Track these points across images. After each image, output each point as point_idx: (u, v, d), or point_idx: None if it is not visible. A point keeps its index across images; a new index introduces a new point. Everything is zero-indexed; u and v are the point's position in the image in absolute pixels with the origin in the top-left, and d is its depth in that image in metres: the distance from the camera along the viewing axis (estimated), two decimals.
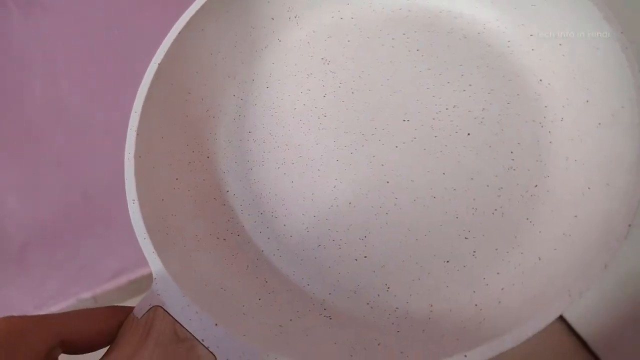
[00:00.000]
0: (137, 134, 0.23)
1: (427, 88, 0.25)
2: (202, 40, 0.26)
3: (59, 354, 0.18)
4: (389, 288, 0.22)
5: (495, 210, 0.22)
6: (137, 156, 0.23)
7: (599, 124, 0.21)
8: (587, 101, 0.22)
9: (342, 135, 0.26)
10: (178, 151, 0.26)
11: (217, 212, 0.25)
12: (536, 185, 0.22)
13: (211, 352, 0.19)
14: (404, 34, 0.27)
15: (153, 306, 0.20)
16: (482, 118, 0.24)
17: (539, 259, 0.21)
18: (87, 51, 0.39)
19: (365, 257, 0.23)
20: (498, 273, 0.21)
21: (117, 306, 0.20)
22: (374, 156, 0.25)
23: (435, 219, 0.23)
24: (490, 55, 0.25)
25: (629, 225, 0.17)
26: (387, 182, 0.24)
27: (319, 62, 0.28)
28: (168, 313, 0.20)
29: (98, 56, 0.40)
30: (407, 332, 0.21)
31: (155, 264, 0.21)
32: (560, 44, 0.23)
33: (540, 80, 0.24)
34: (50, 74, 0.39)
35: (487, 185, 0.23)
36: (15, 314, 0.18)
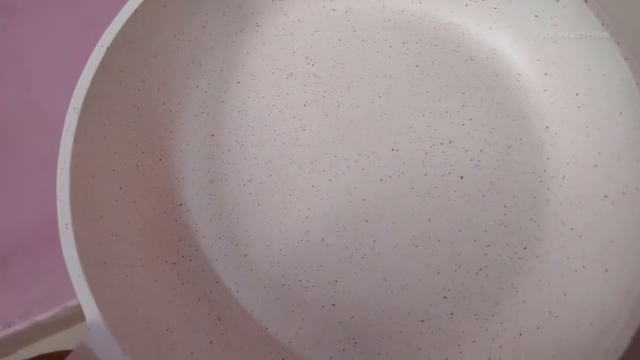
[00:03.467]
0: (75, 138, 0.19)
1: (423, 115, 0.22)
2: (164, 18, 0.21)
3: None
4: (355, 343, 0.20)
5: (480, 269, 0.21)
6: (74, 166, 0.19)
7: (606, 196, 0.19)
8: (596, 166, 0.20)
9: (321, 157, 0.22)
10: (124, 152, 0.21)
11: (168, 229, 0.22)
12: (525, 248, 0.21)
13: None
14: (403, 44, 0.23)
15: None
16: (479, 161, 0.22)
17: (520, 334, 0.19)
18: (61, 56, 0.37)
19: (333, 304, 0.21)
20: (474, 341, 0.20)
21: (46, 355, 0.17)
22: (354, 187, 0.22)
23: (415, 272, 0.21)
24: (496, 86, 0.23)
25: (633, 335, 0.16)
26: (367, 220, 0.21)
27: (303, 61, 0.23)
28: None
29: (73, 61, 0.37)
30: None
31: (90, 310, 0.17)
32: (577, 94, 0.21)
33: (547, 127, 0.22)
34: (23, 80, 0.36)
35: (475, 241, 0.21)
36: None
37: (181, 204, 0.22)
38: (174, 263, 0.21)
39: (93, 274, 0.18)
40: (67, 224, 0.18)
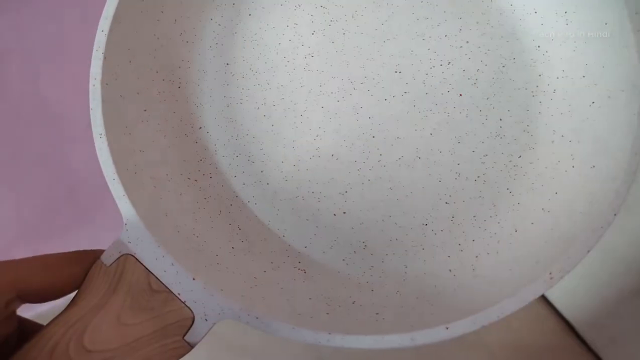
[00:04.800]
0: (105, 58, 0.20)
1: (423, 39, 0.24)
2: None
3: (18, 307, 0.17)
4: (365, 246, 0.22)
5: (478, 177, 0.22)
6: (104, 83, 0.20)
7: (593, 102, 0.21)
8: (584, 77, 0.22)
9: (329, 81, 0.24)
10: (147, 78, 0.23)
11: (189, 150, 0.24)
12: (520, 156, 0.22)
13: (188, 307, 0.18)
14: None
15: (123, 254, 0.19)
16: (476, 79, 0.23)
17: (515, 231, 0.21)
18: (65, 46, 0.38)
19: (344, 212, 0.23)
20: (474, 240, 0.22)
21: (82, 251, 0.19)
22: (361, 107, 0.24)
23: (418, 181, 0.23)
24: (491, 11, 0.24)
25: (616, 214, 0.18)
26: (373, 136, 0.23)
27: None
28: (141, 263, 0.18)
29: (76, 51, 0.38)
30: (381, 291, 0.21)
31: (125, 207, 0.19)
32: (565, 12, 0.22)
33: (539, 46, 0.23)
34: (28, 70, 0.38)
35: (473, 151, 0.23)
36: None
37: (200, 127, 0.24)
38: (196, 180, 0.23)
39: (125, 179, 0.20)
40: (100, 134, 0.20)
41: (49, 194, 0.47)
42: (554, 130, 0.22)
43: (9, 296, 0.16)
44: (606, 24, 0.21)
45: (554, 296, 0.69)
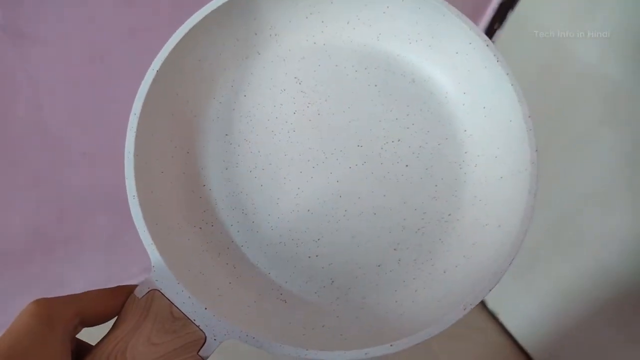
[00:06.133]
0: (136, 135, 0.26)
1: (379, 121, 0.31)
2: (194, 49, 0.29)
3: (80, 330, 0.22)
4: (333, 282, 0.29)
5: (418, 229, 0.30)
6: (136, 155, 0.26)
7: (501, 177, 0.29)
8: (496, 157, 0.29)
9: (307, 151, 0.31)
10: (164, 146, 0.29)
11: (195, 203, 0.30)
12: (450, 214, 0.30)
13: (201, 330, 0.24)
14: (365, 69, 0.32)
15: (151, 289, 0.24)
16: (419, 154, 0.31)
17: (444, 272, 0.28)
18: (70, 79, 0.43)
19: (317, 255, 0.29)
20: (414, 278, 0.29)
21: (121, 286, 0.24)
22: (331, 172, 0.30)
23: (374, 231, 0.30)
24: (431, 101, 0.32)
25: (511, 262, 0.25)
26: (340, 196, 0.30)
27: (292, 80, 0.32)
28: (165, 296, 0.24)
29: (80, 83, 0.43)
30: (345, 317, 0.28)
31: (153, 254, 0.25)
32: (484, 107, 0.30)
33: (465, 130, 0.31)
34: (34, 98, 0.42)
35: (415, 209, 0.30)
36: None
37: (204, 185, 0.30)
38: (200, 228, 0.29)
39: (152, 230, 0.26)
40: (133, 195, 0.26)
41: (40, 217, 0.51)
42: (475, 195, 0.30)
43: (75, 321, 0.21)
44: (511, 121, 0.28)
45: (511, 325, 0.77)
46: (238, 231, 0.30)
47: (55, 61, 0.41)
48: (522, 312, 0.71)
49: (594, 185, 0.58)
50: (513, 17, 0.65)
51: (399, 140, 0.31)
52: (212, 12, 0.28)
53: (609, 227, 0.57)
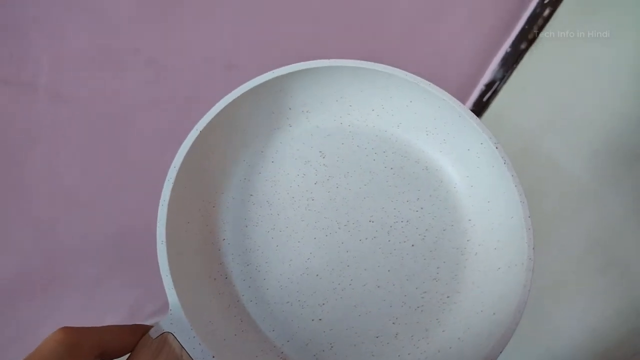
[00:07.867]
0: (172, 187, 0.29)
1: (392, 201, 0.34)
2: (234, 117, 0.32)
3: None
4: (332, 347, 0.30)
5: (418, 307, 0.31)
6: (169, 204, 0.29)
7: (499, 268, 0.31)
8: (495, 249, 0.32)
9: (322, 220, 0.33)
10: (192, 199, 0.32)
11: (213, 255, 0.32)
12: (448, 296, 0.32)
13: None
14: (384, 152, 0.35)
15: (165, 332, 0.26)
16: (424, 236, 0.33)
17: (438, 352, 0.30)
18: (89, 136, 0.47)
19: (320, 319, 0.31)
20: (409, 354, 0.30)
21: (137, 325, 0.26)
22: (342, 243, 0.33)
23: (376, 303, 0.31)
24: (441, 189, 0.35)
25: (501, 350, 0.27)
26: (348, 265, 0.32)
27: (317, 153, 0.35)
28: (177, 340, 0.26)
29: (96, 142, 0.48)
30: None
31: (172, 298, 0.27)
32: (488, 201, 0.33)
33: (469, 220, 0.34)
34: (52, 149, 0.46)
35: (416, 288, 0.32)
36: None
37: (224, 239, 0.32)
38: (215, 279, 0.31)
39: (174, 275, 0.28)
40: (162, 241, 0.28)
41: (29, 261, 0.52)
42: (473, 282, 0.32)
43: (96, 353, 0.23)
44: (512, 217, 0.31)
45: None
46: (249, 286, 0.32)
47: (76, 120, 0.45)
48: None
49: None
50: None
51: (407, 221, 0.34)
52: (258, 85, 0.32)
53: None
